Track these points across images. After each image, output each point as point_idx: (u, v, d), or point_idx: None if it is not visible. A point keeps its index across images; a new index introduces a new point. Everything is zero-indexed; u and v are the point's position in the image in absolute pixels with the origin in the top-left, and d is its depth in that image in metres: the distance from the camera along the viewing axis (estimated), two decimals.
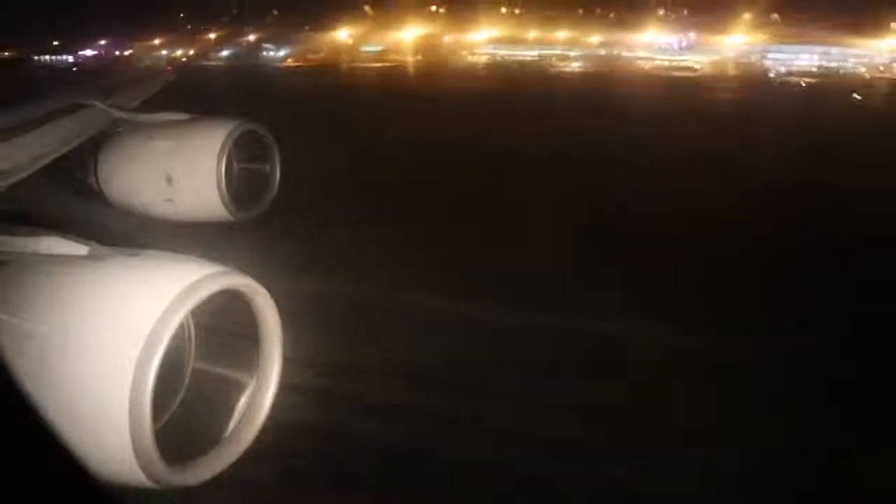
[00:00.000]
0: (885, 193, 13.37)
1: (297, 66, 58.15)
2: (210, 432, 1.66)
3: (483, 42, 64.46)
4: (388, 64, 56.75)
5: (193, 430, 1.65)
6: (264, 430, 1.70)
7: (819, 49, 57.29)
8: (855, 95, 35.50)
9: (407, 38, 62.37)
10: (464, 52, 63.27)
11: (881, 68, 53.81)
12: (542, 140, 19.47)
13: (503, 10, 63.76)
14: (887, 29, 54.20)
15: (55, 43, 56.50)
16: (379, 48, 62.13)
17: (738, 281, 8.80)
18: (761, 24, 57.67)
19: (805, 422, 5.85)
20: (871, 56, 55.56)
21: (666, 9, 61.38)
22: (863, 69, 54.72)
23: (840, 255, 9.88)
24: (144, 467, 1.45)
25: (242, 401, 1.70)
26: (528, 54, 62.88)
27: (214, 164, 3.24)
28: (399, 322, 7.45)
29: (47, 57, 54.63)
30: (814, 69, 55.36)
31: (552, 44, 63.43)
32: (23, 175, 2.42)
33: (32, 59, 50.94)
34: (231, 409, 1.69)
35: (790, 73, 54.10)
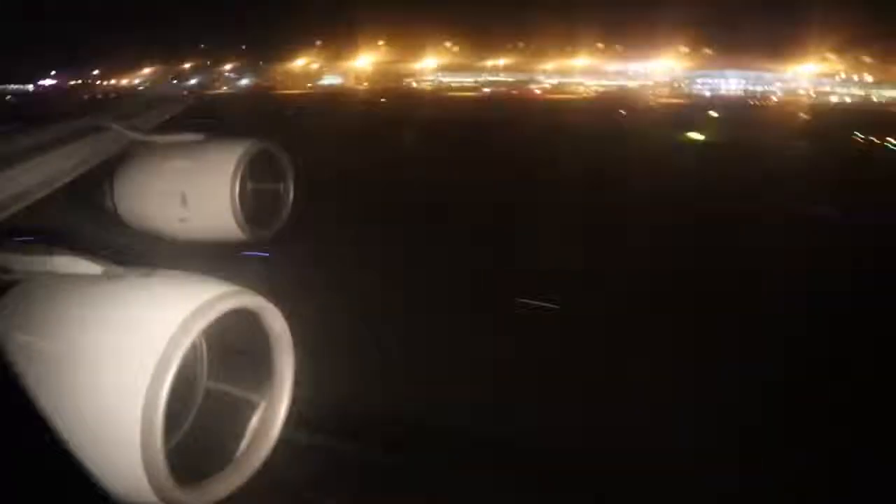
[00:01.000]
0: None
1: (253, 92, 63.43)
2: (221, 452, 1.65)
3: (426, 70, 72.20)
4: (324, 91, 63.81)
5: (205, 450, 1.65)
6: (276, 450, 1.69)
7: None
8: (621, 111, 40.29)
9: (356, 67, 70.08)
10: (408, 79, 70.56)
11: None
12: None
13: (447, 43, 71.31)
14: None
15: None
16: (332, 77, 69.94)
17: None
18: (690, 53, 64.12)
19: None
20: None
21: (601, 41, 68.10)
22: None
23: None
24: (155, 487, 1.44)
25: (254, 421, 1.70)
26: (464, 80, 70.51)
27: (228, 184, 3.26)
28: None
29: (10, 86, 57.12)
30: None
31: (485, 71, 71.48)
32: (40, 195, 2.45)
33: None
34: (243, 429, 1.69)
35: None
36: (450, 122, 34.54)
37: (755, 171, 19.99)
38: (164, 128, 4.15)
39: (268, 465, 1.67)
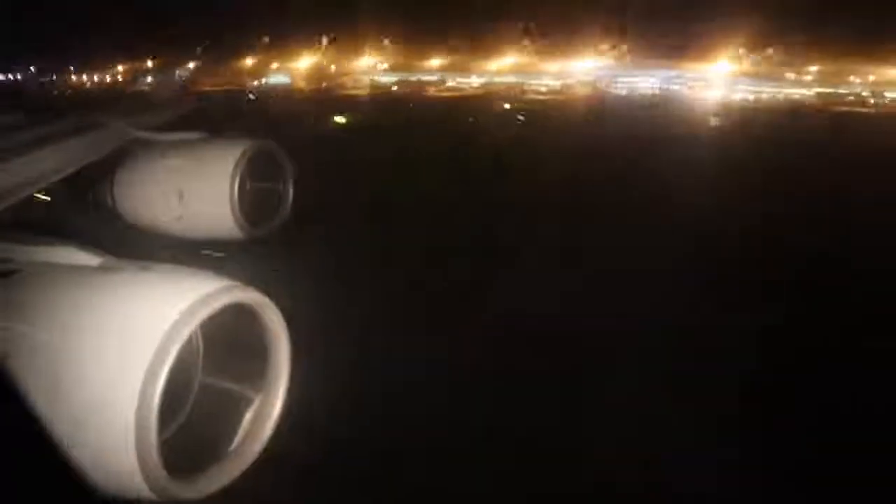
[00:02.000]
0: None
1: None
2: (215, 446, 1.65)
3: (366, 69, 75.46)
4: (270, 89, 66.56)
5: (199, 444, 1.65)
6: (269, 445, 1.69)
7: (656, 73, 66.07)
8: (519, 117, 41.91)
9: (301, 66, 73.33)
10: (348, 78, 73.33)
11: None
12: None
13: (385, 41, 73.82)
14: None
15: None
16: (279, 76, 72.42)
17: None
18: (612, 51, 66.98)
19: None
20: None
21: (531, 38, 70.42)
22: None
23: None
24: (148, 480, 1.44)
25: (248, 415, 1.70)
26: (406, 79, 73.50)
27: (227, 182, 3.27)
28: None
29: None
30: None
31: (423, 71, 74.76)
32: (40, 188, 2.46)
33: None
34: (237, 424, 1.69)
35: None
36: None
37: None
38: (166, 126, 4.16)
39: (261, 459, 1.68)
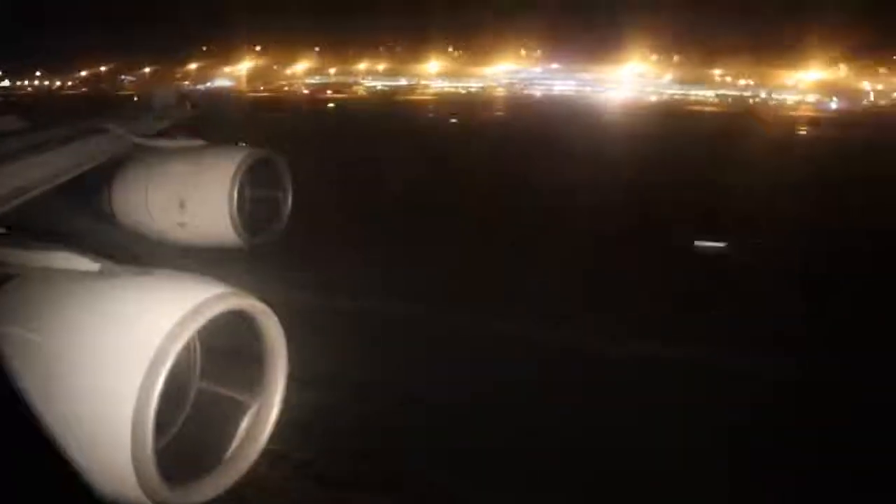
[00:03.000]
0: None
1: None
2: (212, 452, 1.64)
3: (302, 72, 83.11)
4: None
5: (195, 450, 1.64)
6: (265, 452, 1.68)
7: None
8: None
9: (241, 71, 79.86)
10: (283, 82, 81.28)
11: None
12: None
13: (316, 48, 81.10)
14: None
15: None
16: (222, 80, 78.56)
17: None
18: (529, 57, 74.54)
19: None
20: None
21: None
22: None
23: None
24: (144, 486, 1.43)
25: (245, 422, 1.69)
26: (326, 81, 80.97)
27: (227, 190, 3.27)
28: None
29: None
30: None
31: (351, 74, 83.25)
32: (38, 192, 2.45)
33: None
34: (233, 430, 1.68)
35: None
36: None
37: None
38: (166, 133, 4.16)
39: (256, 466, 1.67)
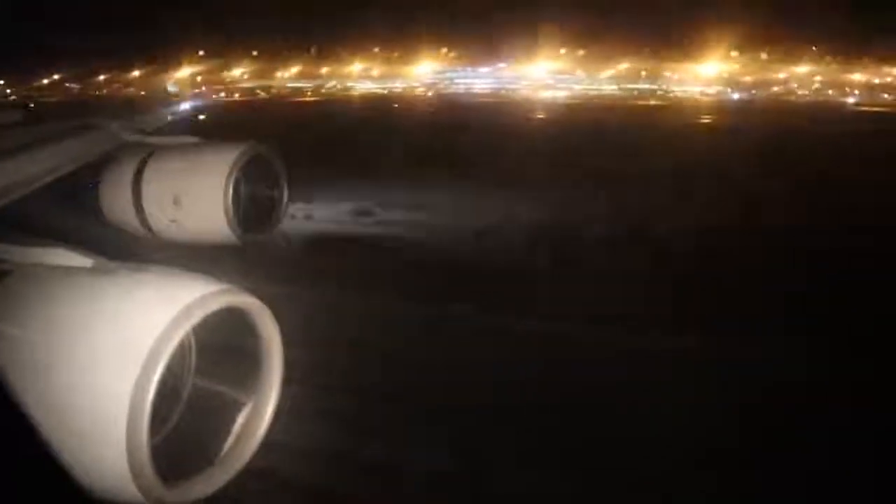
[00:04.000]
0: None
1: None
2: (207, 450, 1.63)
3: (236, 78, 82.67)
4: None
5: (190, 448, 1.63)
6: (261, 449, 1.68)
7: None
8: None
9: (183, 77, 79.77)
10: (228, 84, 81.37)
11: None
12: None
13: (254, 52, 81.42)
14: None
15: None
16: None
17: None
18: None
19: None
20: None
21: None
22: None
23: None
24: (139, 484, 1.42)
25: (240, 420, 1.68)
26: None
27: (222, 187, 3.26)
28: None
29: None
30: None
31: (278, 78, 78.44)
32: (30, 189, 2.44)
33: None
34: (228, 428, 1.67)
35: None
36: None
37: None
38: (160, 130, 4.15)
39: (252, 463, 1.66)
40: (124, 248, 3.35)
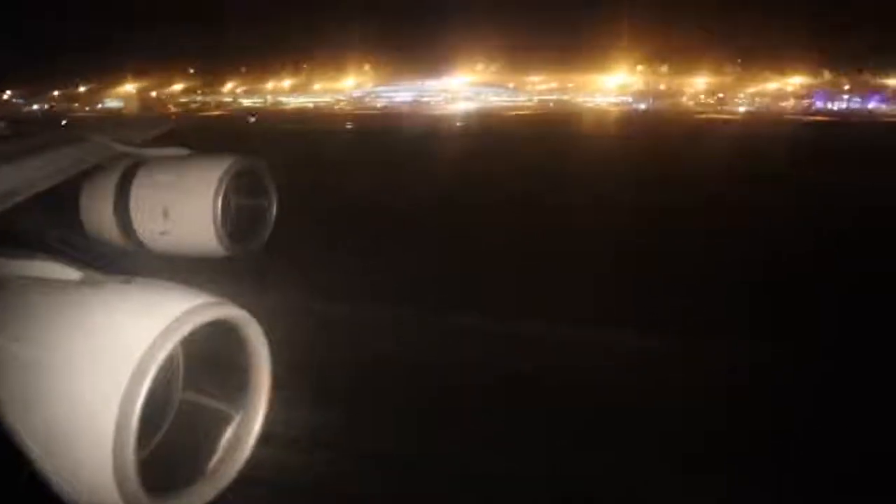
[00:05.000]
0: None
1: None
2: (194, 464, 1.63)
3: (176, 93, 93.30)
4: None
5: (177, 461, 1.62)
6: (248, 464, 1.67)
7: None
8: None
9: (128, 92, 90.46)
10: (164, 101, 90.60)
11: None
12: None
13: (190, 69, 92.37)
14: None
15: None
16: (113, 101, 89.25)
17: None
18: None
19: None
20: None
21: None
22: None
23: None
24: (126, 497, 1.41)
25: (228, 433, 1.68)
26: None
27: (210, 199, 3.26)
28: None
29: None
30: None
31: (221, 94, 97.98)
32: (17, 200, 2.42)
33: None
34: (216, 442, 1.67)
35: None
36: None
37: None
38: (151, 142, 4.14)
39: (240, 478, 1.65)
40: (112, 260, 3.33)
